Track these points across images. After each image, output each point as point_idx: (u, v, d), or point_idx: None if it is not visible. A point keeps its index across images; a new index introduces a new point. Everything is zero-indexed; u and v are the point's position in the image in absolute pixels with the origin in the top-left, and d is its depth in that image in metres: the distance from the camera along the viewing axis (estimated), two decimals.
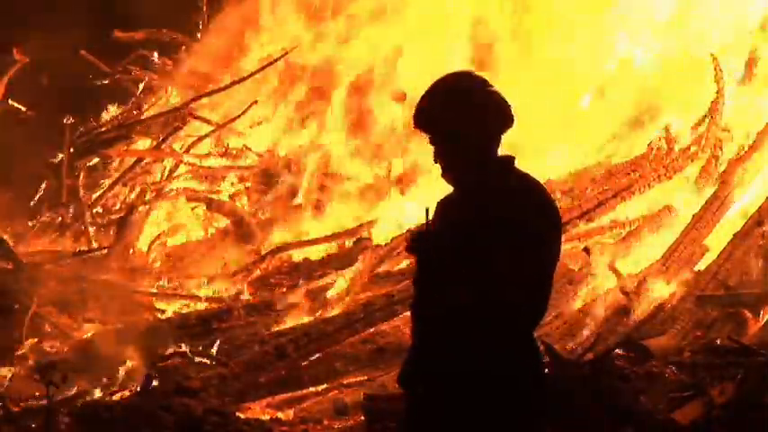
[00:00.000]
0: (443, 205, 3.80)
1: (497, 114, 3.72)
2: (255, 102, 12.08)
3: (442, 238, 3.66)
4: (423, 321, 3.75)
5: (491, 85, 3.73)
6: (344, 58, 12.27)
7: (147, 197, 11.51)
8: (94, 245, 10.61)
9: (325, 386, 7.97)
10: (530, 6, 11.39)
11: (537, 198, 3.69)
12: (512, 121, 3.73)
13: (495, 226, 3.56)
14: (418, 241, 3.69)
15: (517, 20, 11.41)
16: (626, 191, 9.57)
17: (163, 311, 9.35)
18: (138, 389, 7.52)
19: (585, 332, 8.14)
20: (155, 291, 9.73)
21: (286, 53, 12.20)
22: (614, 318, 8.25)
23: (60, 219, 11.48)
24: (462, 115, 3.67)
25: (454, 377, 3.65)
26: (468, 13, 11.55)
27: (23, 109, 12.61)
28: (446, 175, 3.75)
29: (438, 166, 3.76)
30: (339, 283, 9.16)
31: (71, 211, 11.50)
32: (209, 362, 8.06)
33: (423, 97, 3.75)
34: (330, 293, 9.07)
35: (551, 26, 11.20)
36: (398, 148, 11.58)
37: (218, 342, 8.40)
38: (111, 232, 11.08)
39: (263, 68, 12.30)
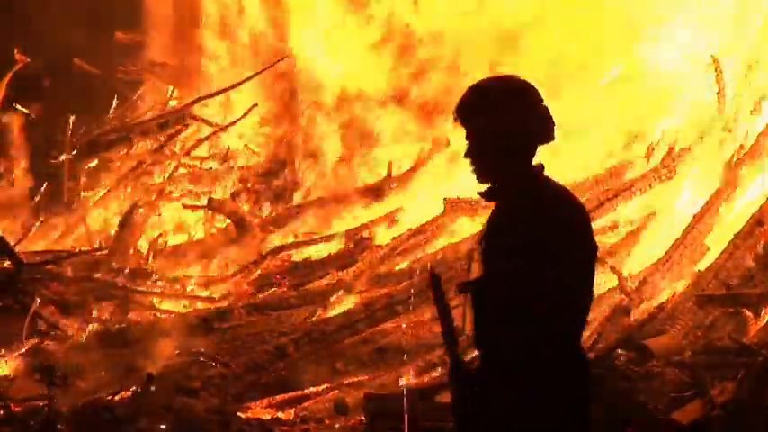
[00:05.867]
0: (490, 229, 3.68)
1: (545, 126, 3.65)
2: (256, 104, 12.10)
3: (498, 266, 3.56)
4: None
5: (541, 96, 3.66)
6: (343, 58, 12.28)
7: (148, 199, 11.51)
8: (95, 245, 10.61)
9: (325, 386, 7.97)
10: (529, 7, 11.39)
11: (575, 207, 3.66)
12: (553, 137, 3.67)
13: (538, 236, 3.49)
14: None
15: (517, 21, 11.41)
16: (626, 191, 9.57)
17: (163, 311, 9.36)
18: (139, 389, 7.51)
19: (585, 332, 8.14)
20: (155, 291, 9.73)
21: (283, 57, 12.23)
22: (614, 318, 8.24)
23: (60, 219, 11.48)
24: (515, 117, 3.58)
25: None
26: (465, 15, 11.55)
27: (25, 111, 12.61)
28: (479, 177, 3.66)
29: (470, 166, 3.68)
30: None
31: (71, 211, 11.50)
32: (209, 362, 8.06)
33: (474, 90, 3.65)
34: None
35: (552, 27, 11.20)
36: (400, 148, 11.61)
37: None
38: (112, 232, 11.08)
39: (262, 71, 12.31)
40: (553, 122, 3.66)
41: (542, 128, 3.65)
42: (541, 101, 3.65)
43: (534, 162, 3.67)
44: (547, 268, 3.47)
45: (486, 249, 3.63)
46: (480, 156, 3.63)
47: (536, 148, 3.65)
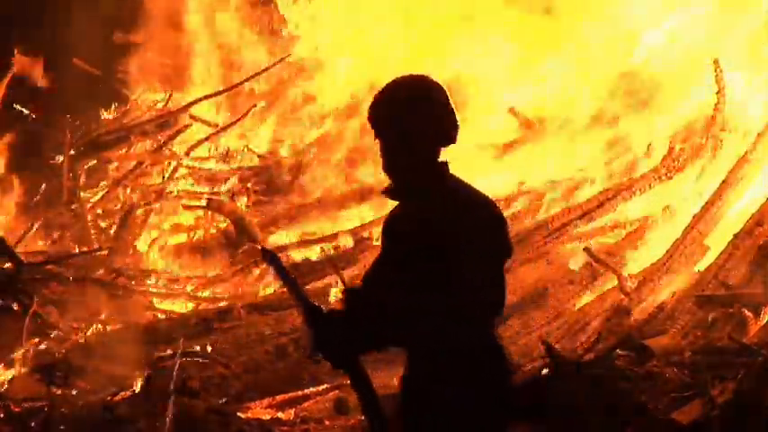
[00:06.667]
0: (392, 221, 3.84)
1: (449, 127, 3.77)
2: (255, 105, 12.10)
3: (394, 254, 3.74)
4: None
5: (449, 98, 3.78)
6: (344, 58, 12.30)
7: (148, 199, 11.52)
8: (95, 245, 10.61)
9: (325, 386, 7.97)
10: (529, 7, 11.39)
11: (478, 201, 3.73)
12: (455, 138, 3.78)
13: (444, 235, 3.60)
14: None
15: (517, 21, 11.42)
16: (626, 191, 9.58)
17: (163, 311, 9.36)
18: (138, 389, 7.51)
19: (585, 332, 8.14)
20: (155, 291, 9.73)
21: (283, 58, 12.23)
22: (614, 318, 8.25)
23: (60, 219, 11.48)
24: (420, 118, 3.70)
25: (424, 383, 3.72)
26: (464, 16, 11.57)
27: (25, 111, 12.61)
28: (386, 172, 3.79)
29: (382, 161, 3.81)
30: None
31: (71, 211, 11.50)
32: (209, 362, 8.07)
33: (384, 92, 3.78)
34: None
35: (552, 27, 11.20)
36: None
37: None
38: (112, 233, 11.09)
39: (262, 71, 12.32)
40: (457, 125, 3.78)
41: (445, 130, 3.76)
42: (447, 103, 3.76)
43: (451, 164, 3.78)
44: (455, 268, 3.56)
45: (393, 248, 3.77)
46: (388, 155, 3.75)
47: (439, 149, 3.76)
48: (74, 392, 7.59)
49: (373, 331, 3.65)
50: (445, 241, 3.58)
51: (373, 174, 11.61)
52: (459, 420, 3.66)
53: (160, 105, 13.14)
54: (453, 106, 3.78)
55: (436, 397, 3.68)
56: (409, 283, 3.63)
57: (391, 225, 3.83)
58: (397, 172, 3.76)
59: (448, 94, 3.78)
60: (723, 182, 9.05)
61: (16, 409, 7.19)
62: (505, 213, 10.00)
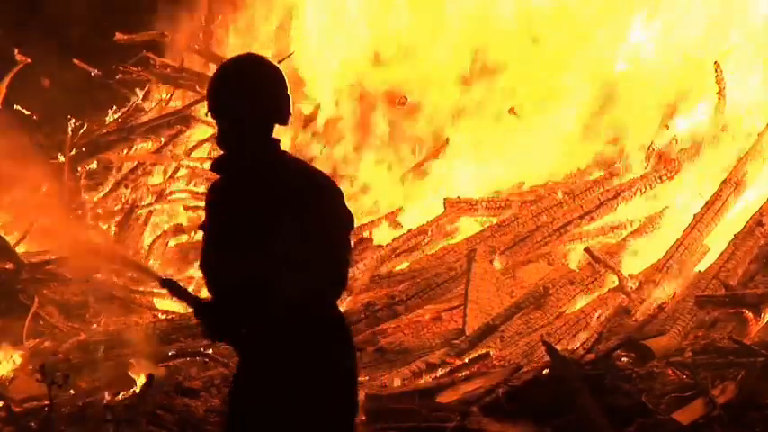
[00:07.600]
0: (219, 194, 3.98)
1: (282, 107, 3.89)
2: None
3: (226, 225, 3.84)
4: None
5: (285, 80, 3.88)
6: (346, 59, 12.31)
7: (149, 199, 11.52)
8: None
9: None
10: (530, 7, 11.40)
11: (314, 173, 3.86)
12: (288, 118, 3.91)
13: (279, 207, 3.71)
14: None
15: (517, 21, 11.42)
16: (627, 191, 9.58)
17: (163, 311, 9.36)
18: (139, 389, 7.51)
19: (586, 332, 8.14)
20: (155, 291, 9.72)
21: (284, 59, 12.24)
22: (615, 318, 8.25)
23: (60, 219, 11.46)
24: (253, 97, 3.81)
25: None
26: (471, 13, 11.58)
27: (26, 112, 12.62)
28: (220, 146, 3.91)
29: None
30: None
31: (72, 211, 11.50)
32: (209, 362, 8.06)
33: (220, 71, 3.89)
34: None
35: (552, 27, 11.21)
36: (401, 147, 11.64)
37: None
38: (112, 233, 11.09)
39: None
40: (290, 105, 3.92)
41: (278, 109, 3.89)
42: (282, 84, 3.89)
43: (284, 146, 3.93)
44: (297, 239, 3.67)
45: (228, 222, 3.86)
46: (222, 130, 3.87)
47: (272, 127, 3.89)
48: (74, 392, 7.59)
49: (225, 314, 3.78)
50: (287, 212, 3.69)
51: (372, 173, 11.63)
52: (308, 402, 3.75)
53: (161, 105, 13.15)
54: (288, 88, 3.89)
55: (279, 382, 3.76)
56: (252, 257, 3.72)
57: (223, 198, 3.94)
58: (231, 146, 3.86)
59: (285, 75, 3.88)
60: (723, 182, 9.05)
61: (16, 409, 7.19)
62: (505, 213, 10.02)
